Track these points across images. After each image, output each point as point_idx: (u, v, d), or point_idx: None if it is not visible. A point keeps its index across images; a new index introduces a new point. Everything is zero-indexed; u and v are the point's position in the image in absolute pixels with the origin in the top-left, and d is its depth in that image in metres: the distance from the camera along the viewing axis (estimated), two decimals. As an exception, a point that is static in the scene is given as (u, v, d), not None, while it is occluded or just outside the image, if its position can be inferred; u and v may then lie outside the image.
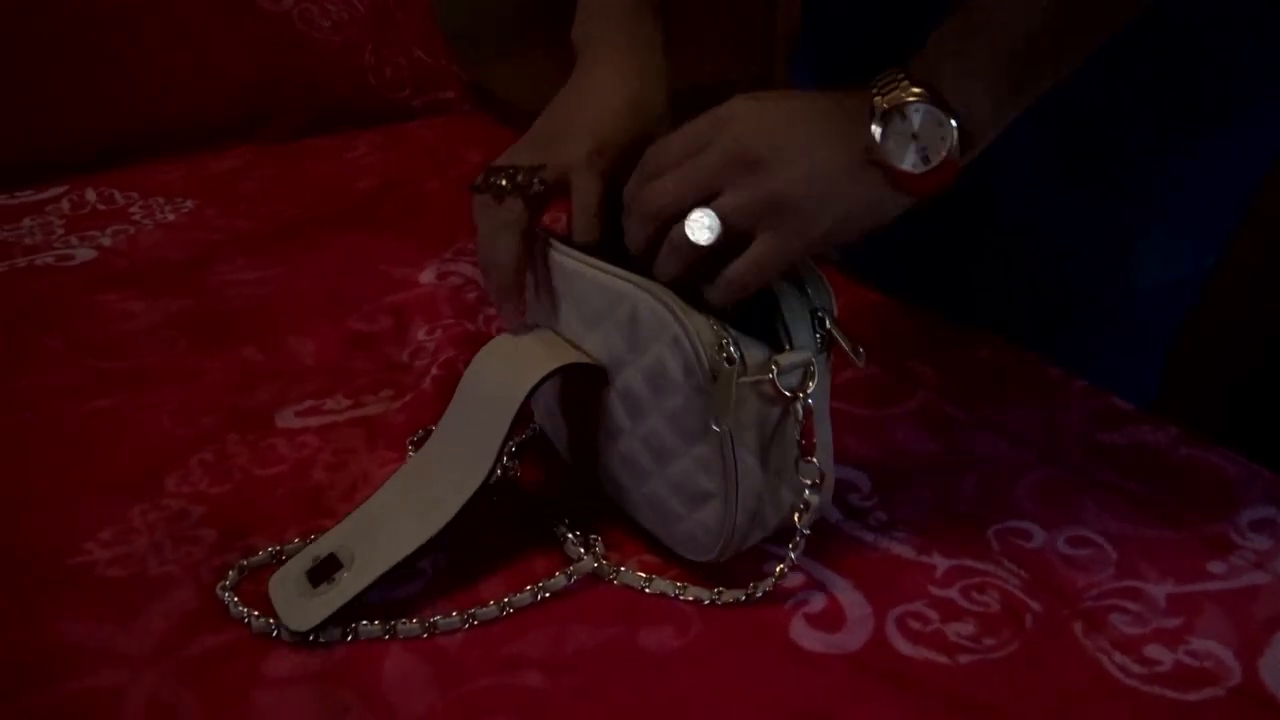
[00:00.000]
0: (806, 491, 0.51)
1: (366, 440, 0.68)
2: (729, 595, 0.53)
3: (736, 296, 0.51)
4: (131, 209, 1.06)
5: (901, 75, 0.49)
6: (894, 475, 0.63)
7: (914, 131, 0.48)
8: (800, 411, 0.50)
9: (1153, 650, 0.50)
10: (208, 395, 0.73)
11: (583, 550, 0.56)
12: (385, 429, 0.69)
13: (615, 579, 0.55)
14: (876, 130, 0.48)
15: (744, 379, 0.49)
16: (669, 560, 0.56)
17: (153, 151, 1.15)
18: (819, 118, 0.51)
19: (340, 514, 0.61)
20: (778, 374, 0.49)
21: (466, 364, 0.75)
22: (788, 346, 0.50)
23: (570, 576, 0.55)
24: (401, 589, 0.54)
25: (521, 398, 0.54)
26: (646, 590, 0.55)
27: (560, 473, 0.65)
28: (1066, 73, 0.52)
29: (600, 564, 0.55)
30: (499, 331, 0.82)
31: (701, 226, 0.50)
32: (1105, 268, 0.81)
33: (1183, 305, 0.85)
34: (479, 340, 0.80)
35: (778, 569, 0.53)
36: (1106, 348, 0.86)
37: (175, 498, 0.63)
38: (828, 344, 0.51)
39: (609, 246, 0.58)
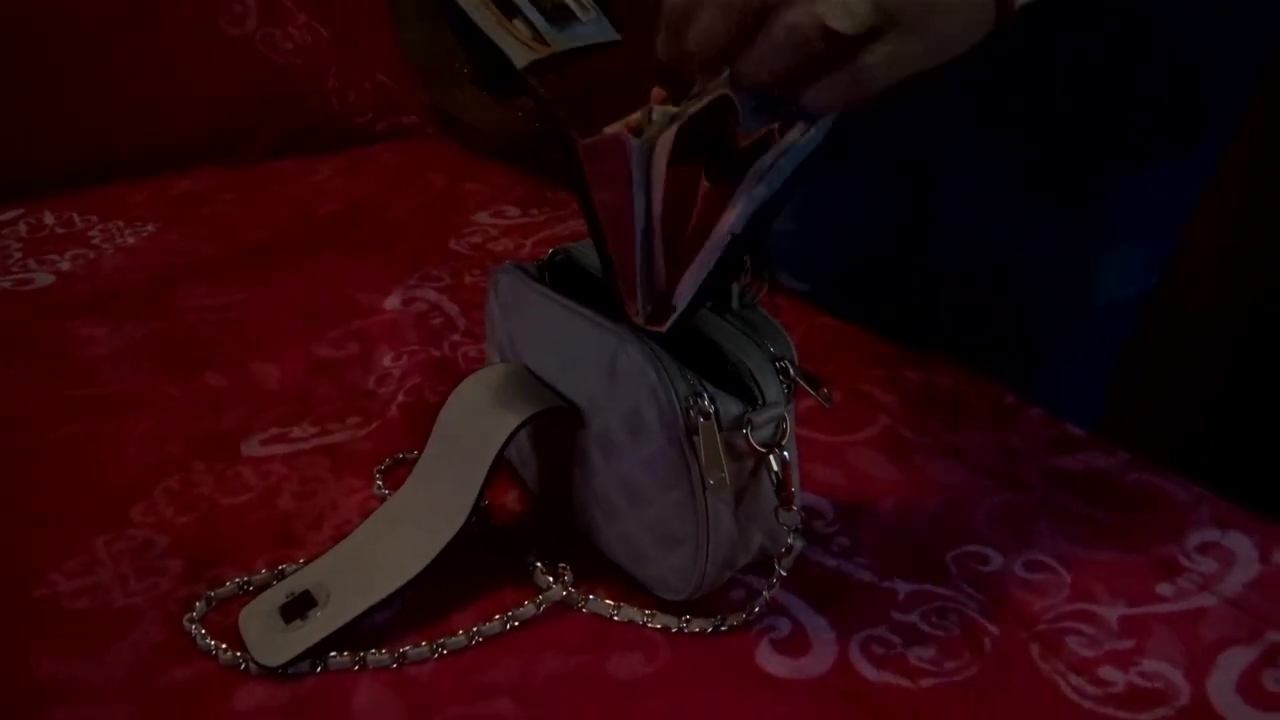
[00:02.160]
0: (790, 537, 0.52)
1: (333, 469, 0.68)
2: (696, 624, 0.54)
3: (841, 100, 0.44)
4: (90, 232, 1.05)
5: None
6: (856, 501, 0.65)
7: None
8: (775, 464, 0.51)
9: (1106, 671, 0.52)
10: (172, 423, 0.73)
11: (551, 579, 0.57)
12: (352, 457, 0.70)
13: (584, 607, 0.56)
14: None
15: (720, 434, 0.49)
16: (636, 588, 0.57)
17: (112, 174, 1.14)
18: None
19: (308, 543, 0.62)
20: (752, 430, 0.50)
21: (433, 391, 0.77)
22: (760, 400, 0.51)
23: (539, 605, 0.55)
24: (371, 619, 0.54)
25: (499, 445, 0.55)
26: (615, 618, 0.55)
27: (527, 501, 0.66)
28: None
29: (569, 592, 0.56)
30: (463, 357, 0.83)
31: (845, 10, 0.41)
32: (1062, 283, 0.84)
33: (1131, 322, 0.88)
34: (445, 367, 0.81)
35: (750, 606, 0.54)
36: (1060, 364, 0.88)
37: (141, 527, 0.63)
38: (793, 391, 0.53)
39: (583, 284, 0.59)
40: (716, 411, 0.50)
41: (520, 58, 0.53)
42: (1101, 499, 0.65)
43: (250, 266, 0.97)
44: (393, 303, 0.91)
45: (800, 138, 0.47)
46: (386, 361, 0.82)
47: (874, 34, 0.42)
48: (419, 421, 0.73)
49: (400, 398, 0.76)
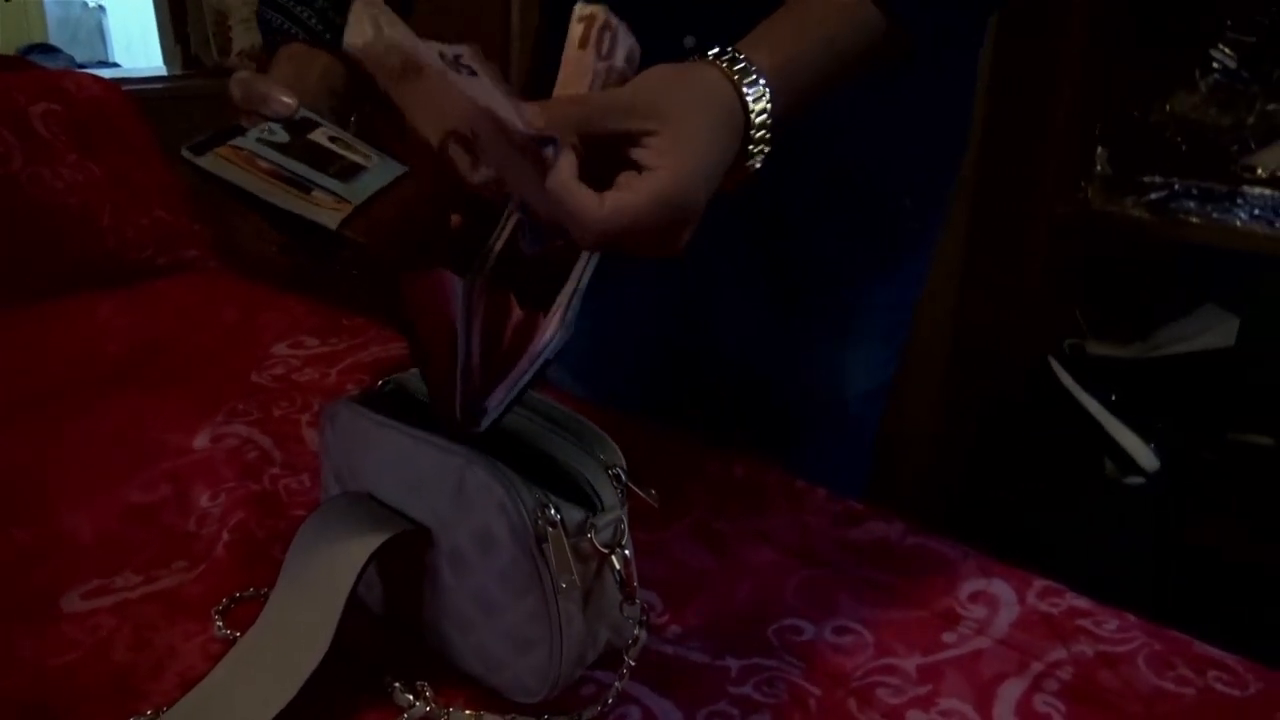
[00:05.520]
0: (636, 629, 0.57)
1: (166, 615, 0.68)
2: (557, 721, 0.58)
3: None
4: None
5: (761, 82, 0.55)
6: (682, 590, 0.71)
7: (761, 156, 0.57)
8: (617, 562, 0.56)
9: (913, 715, 0.60)
10: (-21, 586, 0.70)
11: (411, 697, 0.59)
12: (185, 601, 0.69)
13: (447, 720, 0.59)
14: (753, 150, 0.56)
15: (568, 540, 0.54)
16: (494, 696, 0.60)
17: None
18: (721, 170, 0.55)
19: (152, 695, 0.61)
20: (595, 533, 0.56)
21: (260, 526, 0.77)
22: (599, 505, 0.57)
23: (404, 725, 0.57)
24: (233, 760, 0.55)
25: (352, 579, 0.57)
26: (478, 727, 0.58)
27: (377, 623, 0.67)
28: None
29: (431, 708, 0.59)
30: (285, 490, 0.84)
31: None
32: (822, 381, 0.96)
33: (881, 406, 1.01)
34: (268, 500, 0.81)
35: (604, 698, 0.58)
36: (828, 450, 1.00)
37: (-41, 701, 0.60)
38: (625, 494, 0.59)
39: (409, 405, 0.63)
40: (562, 520, 0.55)
41: (331, 220, 0.58)
42: (887, 563, 0.75)
43: (41, 412, 0.93)
44: (202, 441, 0.90)
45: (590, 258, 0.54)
46: (204, 501, 0.81)
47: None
48: (250, 558, 0.73)
49: (225, 536, 0.76)
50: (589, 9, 0.54)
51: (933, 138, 0.90)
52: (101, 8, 4.18)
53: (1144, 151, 1.55)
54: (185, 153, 0.58)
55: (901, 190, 0.90)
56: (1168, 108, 1.57)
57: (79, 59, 3.27)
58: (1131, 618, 0.68)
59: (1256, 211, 1.45)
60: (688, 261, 0.93)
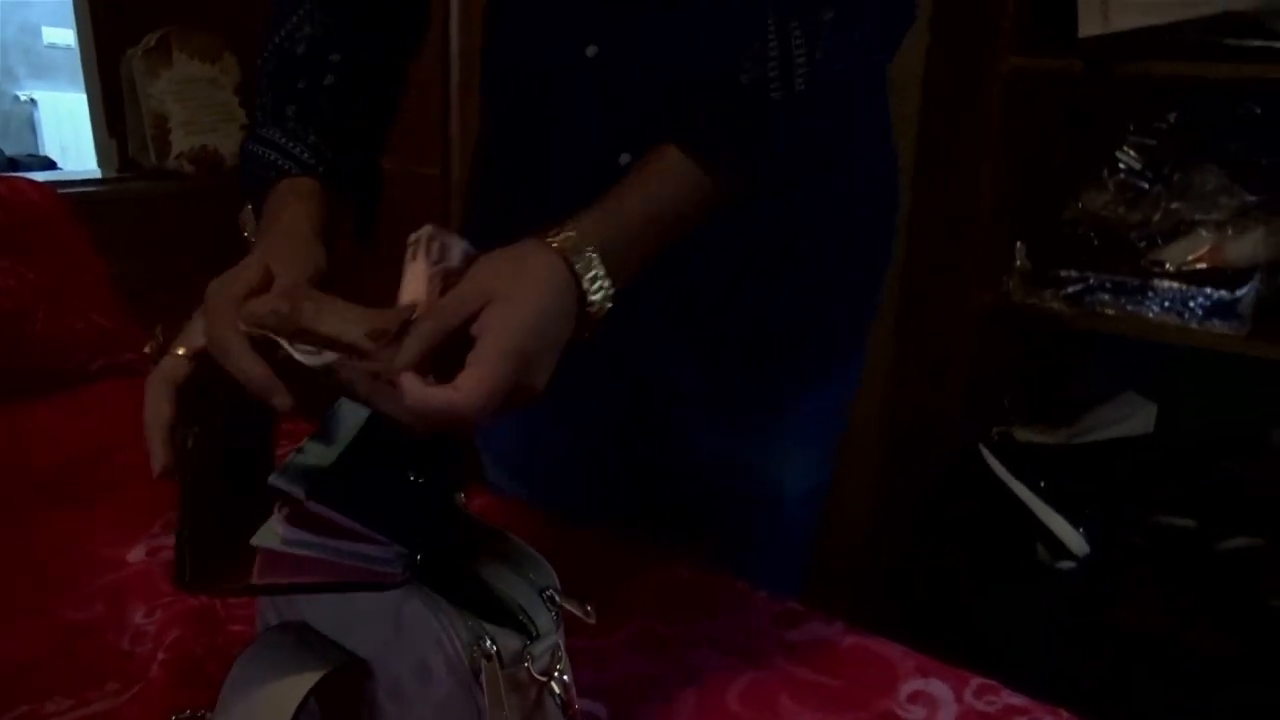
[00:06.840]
0: None
1: (99, 741, 0.66)
2: (504, 840, 0.58)
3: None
4: None
5: (592, 252, 0.62)
6: (626, 700, 0.71)
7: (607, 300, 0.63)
8: (557, 688, 0.56)
9: (856, 821, 0.61)
10: (-98, 717, 0.68)
11: (354, 825, 0.58)
12: (119, 726, 0.68)
13: (390, 847, 0.58)
14: (589, 297, 0.62)
15: (504, 671, 0.54)
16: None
17: None
18: (559, 317, 0.61)
19: (85, 827, 0.59)
20: (532, 662, 0.56)
21: (197, 642, 0.76)
22: (534, 632, 0.57)
23: None
24: None
25: (290, 715, 0.56)
26: None
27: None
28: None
29: (374, 834, 0.58)
30: (223, 604, 0.82)
31: None
32: (761, 483, 0.98)
33: (818, 508, 1.04)
34: (205, 617, 0.80)
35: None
36: (767, 551, 1.02)
37: (-120, 842, 0.58)
38: (561, 616, 0.59)
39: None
40: (498, 652, 0.54)
41: (182, 572, 0.60)
42: (827, 663, 0.76)
43: (-31, 529, 0.91)
44: (137, 555, 0.89)
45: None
46: (139, 618, 0.80)
47: None
48: (186, 677, 0.72)
49: (160, 655, 0.75)
50: (417, 232, 0.61)
51: (857, 246, 0.93)
52: (33, 101, 4.17)
53: (1060, 247, 1.62)
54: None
55: (828, 296, 0.93)
56: (1080, 204, 1.65)
57: (9, 152, 3.25)
58: (1065, 714, 0.70)
59: (1166, 304, 1.52)
60: (620, 361, 0.96)
